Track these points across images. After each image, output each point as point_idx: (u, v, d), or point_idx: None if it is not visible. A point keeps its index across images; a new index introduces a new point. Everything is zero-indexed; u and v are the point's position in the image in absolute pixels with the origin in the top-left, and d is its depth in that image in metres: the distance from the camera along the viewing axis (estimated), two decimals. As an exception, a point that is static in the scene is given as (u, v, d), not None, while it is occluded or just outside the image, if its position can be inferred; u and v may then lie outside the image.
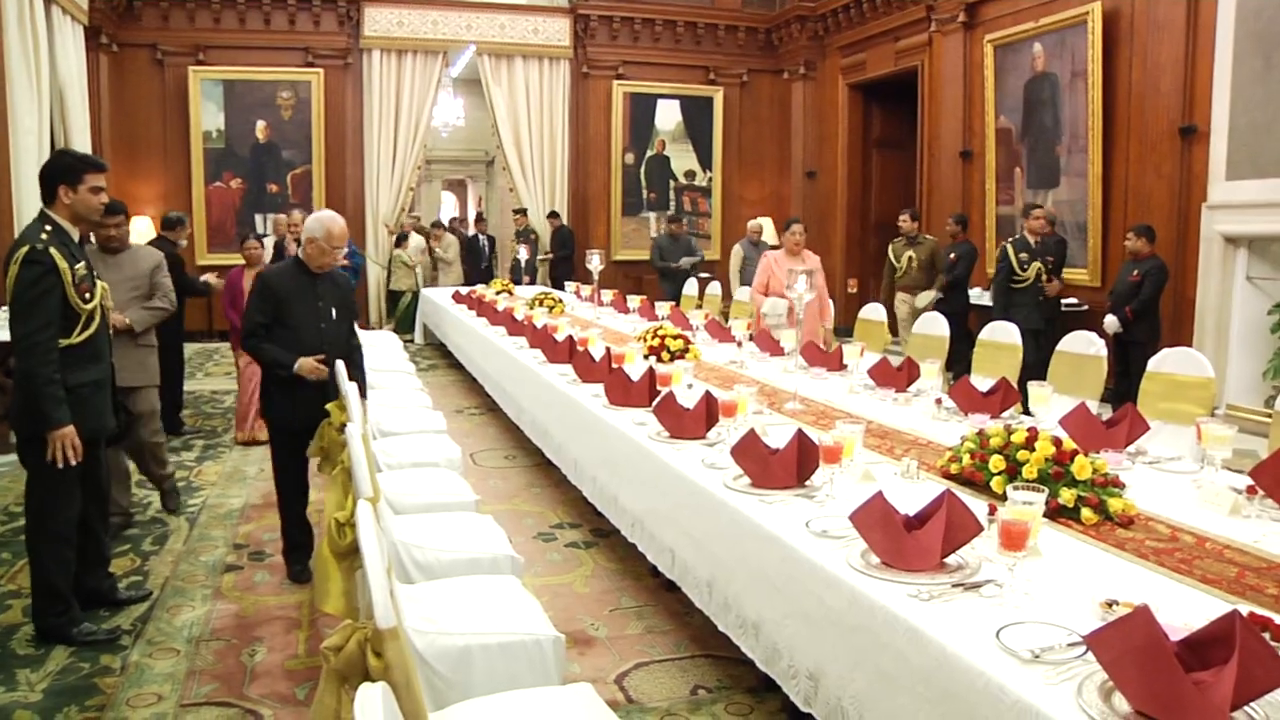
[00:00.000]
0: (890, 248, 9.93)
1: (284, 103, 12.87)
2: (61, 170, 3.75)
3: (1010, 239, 8.51)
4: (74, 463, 3.71)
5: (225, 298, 7.34)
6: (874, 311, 7.44)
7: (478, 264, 14.08)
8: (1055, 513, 2.81)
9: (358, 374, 4.64)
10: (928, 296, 9.33)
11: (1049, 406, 4.00)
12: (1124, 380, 7.29)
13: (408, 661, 1.95)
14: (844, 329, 10.47)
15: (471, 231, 15.67)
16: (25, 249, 3.61)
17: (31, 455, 3.76)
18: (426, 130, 13.78)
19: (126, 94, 12.39)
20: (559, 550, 4.97)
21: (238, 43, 12.69)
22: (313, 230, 4.45)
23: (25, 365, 3.63)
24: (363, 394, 4.72)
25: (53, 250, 3.63)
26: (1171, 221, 8.19)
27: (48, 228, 3.68)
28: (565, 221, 13.79)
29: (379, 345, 7.98)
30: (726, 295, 10.46)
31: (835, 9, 13.15)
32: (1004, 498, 2.46)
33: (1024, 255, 8.19)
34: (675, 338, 5.82)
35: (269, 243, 9.11)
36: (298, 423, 4.36)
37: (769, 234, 13.82)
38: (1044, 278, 8.18)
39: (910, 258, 9.61)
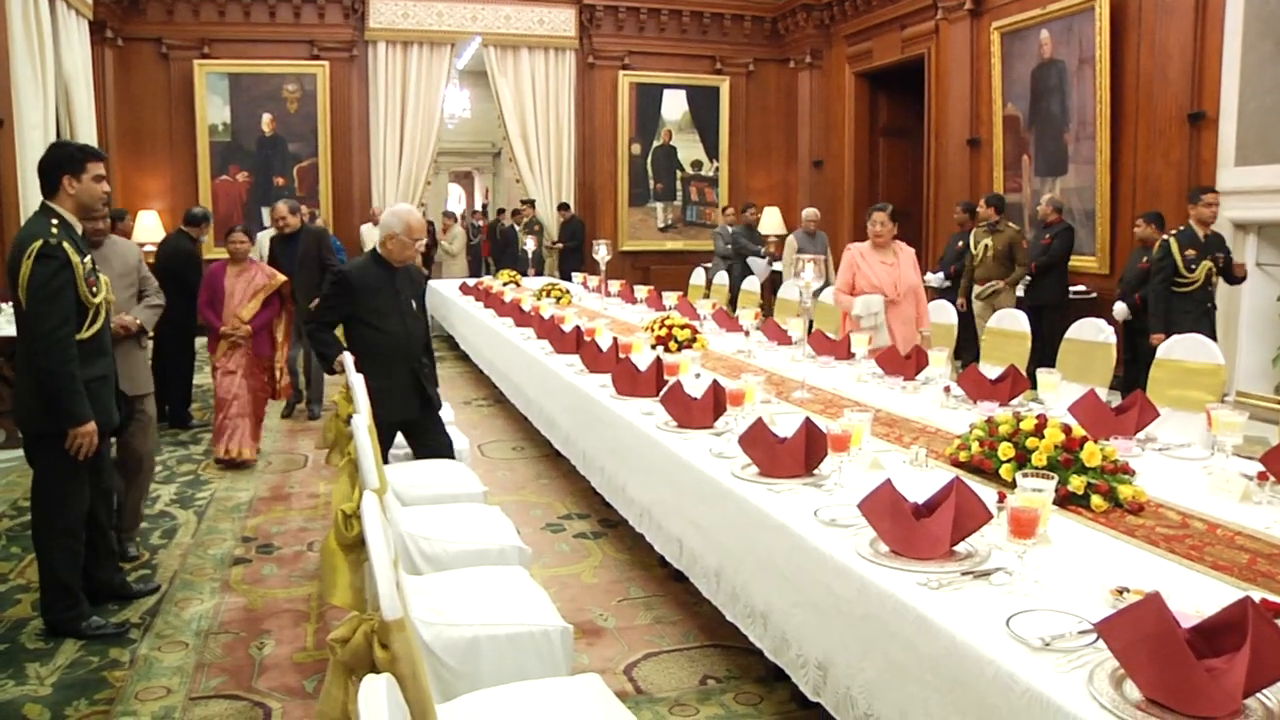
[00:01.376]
0: (972, 235, 9.08)
1: (290, 96, 12.85)
2: (64, 160, 3.73)
3: (1173, 231, 6.99)
4: (87, 456, 3.72)
5: (204, 295, 6.69)
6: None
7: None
8: (1065, 500, 2.79)
9: (432, 368, 4.72)
10: (992, 289, 8.59)
11: (1058, 394, 3.99)
12: (1133, 367, 7.27)
13: (414, 653, 1.95)
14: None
15: (507, 223, 15.53)
16: (39, 243, 3.56)
17: (39, 452, 3.77)
18: (440, 123, 13.76)
19: (132, 88, 12.39)
20: (567, 541, 4.97)
21: (243, 36, 12.68)
22: (391, 226, 4.48)
23: (46, 363, 3.60)
24: (428, 387, 4.76)
25: (65, 245, 3.62)
26: (1181, 208, 8.12)
27: (54, 221, 3.65)
28: (574, 212, 13.77)
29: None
30: (735, 285, 10.43)
31: (841, -3, 13.11)
32: (1013, 485, 2.45)
33: (1191, 252, 6.75)
34: (682, 327, 5.81)
35: (264, 236, 8.49)
36: (390, 414, 4.39)
37: (777, 223, 13.77)
38: (1214, 279, 6.88)
39: (986, 246, 8.66)
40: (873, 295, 5.93)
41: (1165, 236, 7.02)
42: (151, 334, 4.97)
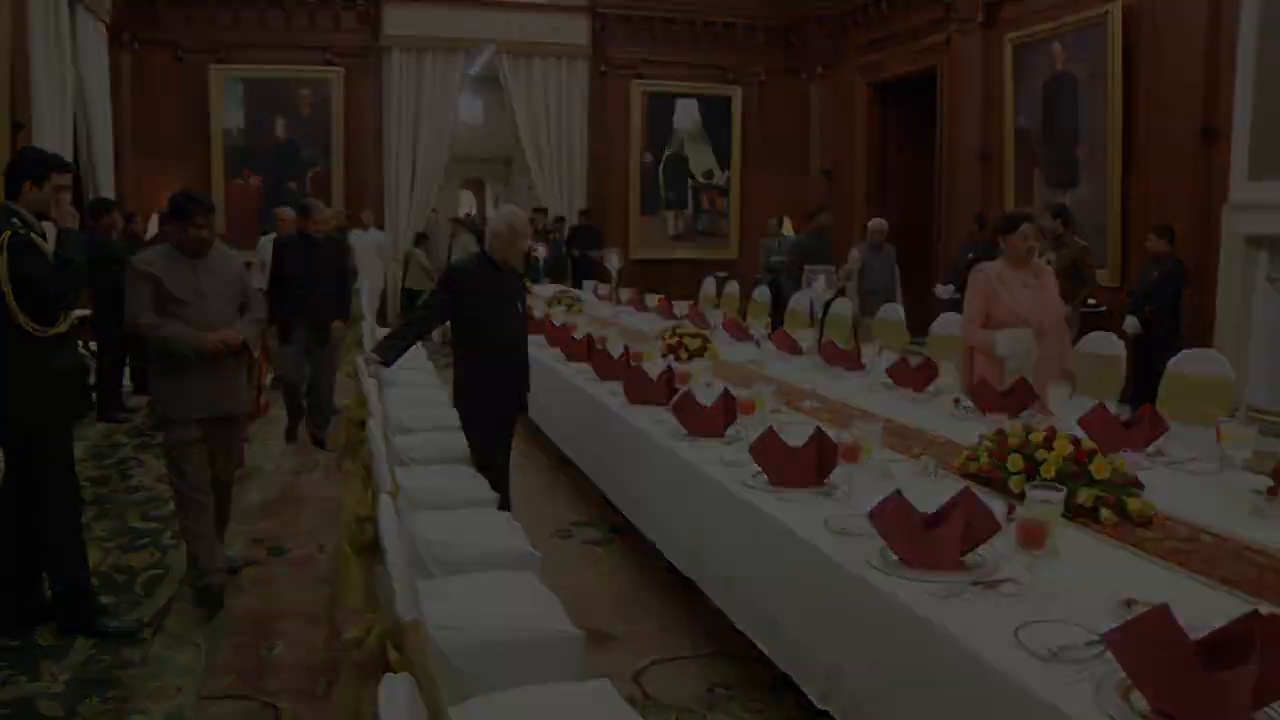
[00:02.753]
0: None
1: (304, 101, 12.93)
2: (30, 165, 3.76)
3: None
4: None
5: None
6: (891, 311, 7.43)
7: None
8: (1073, 512, 2.80)
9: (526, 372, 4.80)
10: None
11: (1068, 406, 3.99)
12: (1143, 381, 7.24)
13: (429, 655, 1.97)
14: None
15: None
16: (8, 234, 3.52)
17: (24, 447, 3.73)
18: (454, 129, 13.82)
19: (148, 92, 12.46)
20: (577, 547, 4.98)
21: (258, 41, 12.76)
22: (497, 224, 4.60)
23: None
24: (527, 386, 4.84)
25: (32, 235, 3.63)
26: (1192, 222, 8.13)
27: (14, 219, 3.63)
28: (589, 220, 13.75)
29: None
30: (745, 295, 10.41)
31: (854, 9, 13.11)
32: (1022, 497, 2.45)
33: None
34: (693, 336, 5.83)
35: (267, 241, 8.19)
36: (495, 409, 4.58)
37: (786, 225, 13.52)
38: None
39: (1049, 261, 7.47)
40: (1018, 329, 4.71)
41: None
42: (256, 352, 4.83)
